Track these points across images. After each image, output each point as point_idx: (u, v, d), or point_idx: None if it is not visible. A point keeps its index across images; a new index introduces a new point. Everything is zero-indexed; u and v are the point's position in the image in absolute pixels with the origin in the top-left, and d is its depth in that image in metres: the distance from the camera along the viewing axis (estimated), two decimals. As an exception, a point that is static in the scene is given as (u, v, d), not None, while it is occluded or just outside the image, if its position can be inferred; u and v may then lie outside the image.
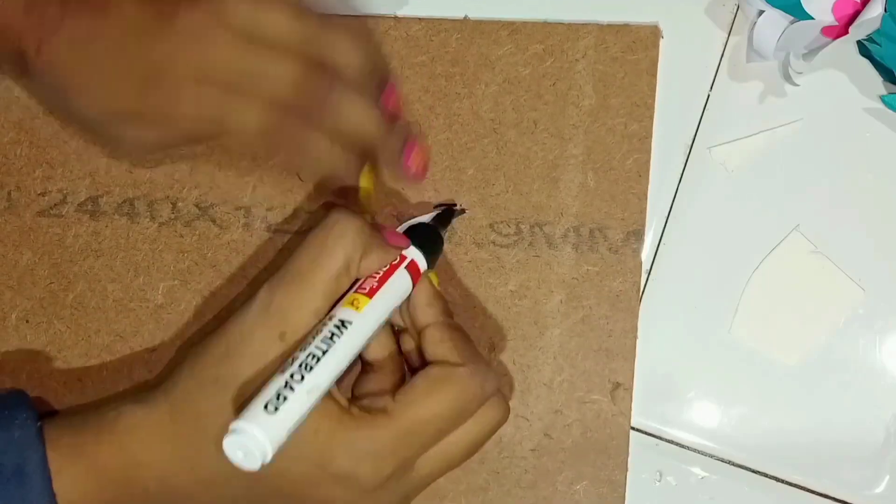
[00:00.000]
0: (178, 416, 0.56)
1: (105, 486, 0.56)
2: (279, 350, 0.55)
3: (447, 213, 0.66)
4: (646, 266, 0.66)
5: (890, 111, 0.66)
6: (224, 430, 0.52)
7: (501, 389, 0.59)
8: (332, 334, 0.55)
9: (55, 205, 0.69)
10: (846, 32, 0.63)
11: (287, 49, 0.59)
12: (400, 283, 0.59)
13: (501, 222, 0.67)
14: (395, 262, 0.59)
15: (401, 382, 0.58)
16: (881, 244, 0.66)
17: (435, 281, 0.62)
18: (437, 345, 0.58)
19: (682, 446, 0.65)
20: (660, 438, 0.65)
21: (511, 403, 0.64)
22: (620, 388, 0.65)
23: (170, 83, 0.58)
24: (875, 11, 0.62)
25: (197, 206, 0.68)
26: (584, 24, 0.69)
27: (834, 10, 0.63)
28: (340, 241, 0.57)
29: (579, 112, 0.68)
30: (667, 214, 0.67)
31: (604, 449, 0.64)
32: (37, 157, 0.69)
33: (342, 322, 0.55)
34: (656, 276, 0.66)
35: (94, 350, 0.67)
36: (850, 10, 0.63)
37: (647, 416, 0.65)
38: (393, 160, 0.64)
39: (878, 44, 0.64)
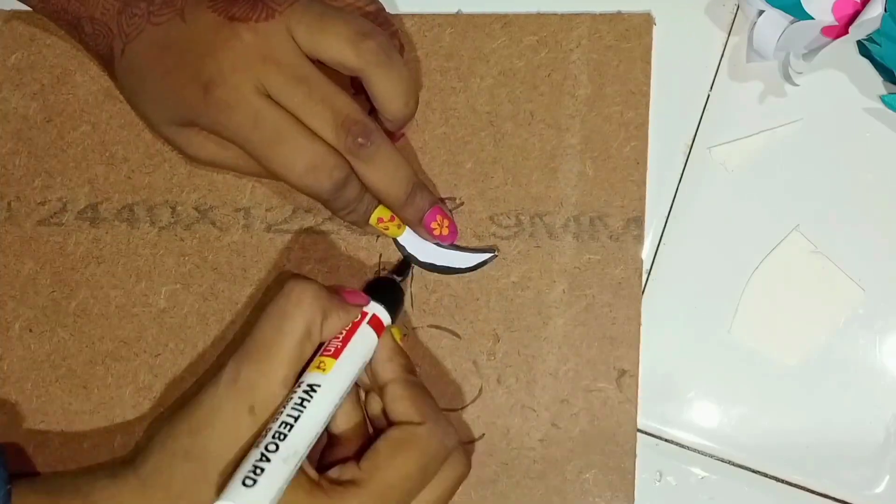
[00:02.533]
0: (149, 490, 0.57)
1: None
2: (250, 422, 0.56)
3: (403, 263, 0.67)
4: (646, 266, 0.67)
5: (890, 111, 0.66)
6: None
7: (461, 444, 0.60)
8: (303, 400, 0.56)
9: (55, 213, 0.68)
10: (846, 32, 0.63)
11: (339, 88, 0.59)
12: (364, 340, 0.59)
13: (501, 214, 0.67)
14: (357, 319, 0.60)
15: (365, 447, 0.58)
16: (881, 244, 0.66)
17: (397, 336, 0.63)
18: (397, 402, 0.59)
19: (682, 446, 0.66)
20: (660, 438, 0.66)
21: (517, 395, 0.66)
22: (626, 375, 0.65)
23: (228, 90, 0.58)
24: (875, 11, 0.62)
25: (196, 209, 0.68)
26: (577, 14, 0.69)
27: (834, 10, 0.63)
28: (299, 308, 0.57)
29: (575, 102, 0.68)
30: (667, 214, 0.67)
31: (612, 437, 0.65)
32: (35, 166, 0.69)
33: (311, 386, 0.56)
34: (656, 276, 0.67)
35: (99, 357, 0.67)
36: (850, 10, 0.63)
37: (647, 416, 0.66)
38: (413, 225, 0.64)
39: (878, 44, 0.63)
